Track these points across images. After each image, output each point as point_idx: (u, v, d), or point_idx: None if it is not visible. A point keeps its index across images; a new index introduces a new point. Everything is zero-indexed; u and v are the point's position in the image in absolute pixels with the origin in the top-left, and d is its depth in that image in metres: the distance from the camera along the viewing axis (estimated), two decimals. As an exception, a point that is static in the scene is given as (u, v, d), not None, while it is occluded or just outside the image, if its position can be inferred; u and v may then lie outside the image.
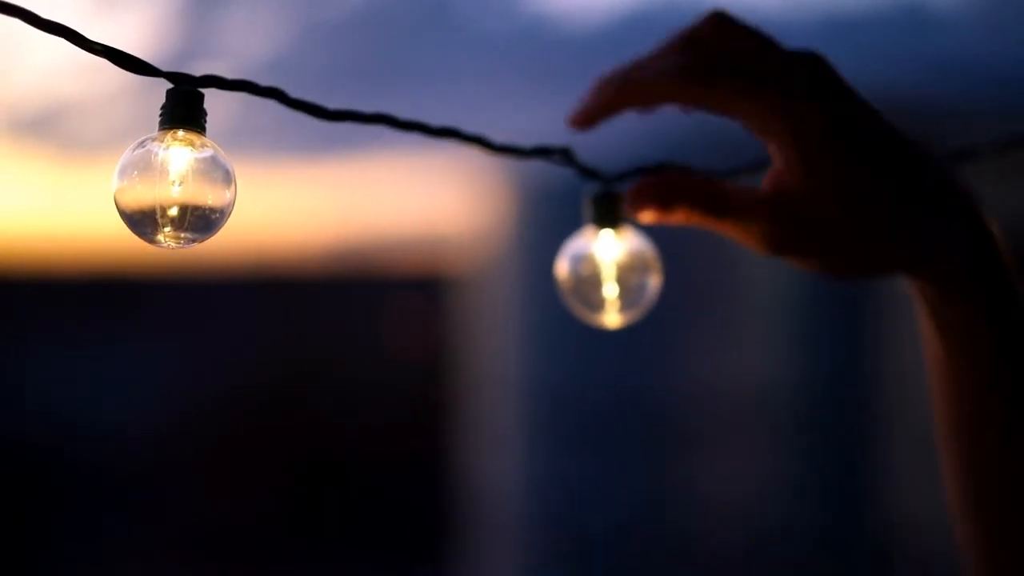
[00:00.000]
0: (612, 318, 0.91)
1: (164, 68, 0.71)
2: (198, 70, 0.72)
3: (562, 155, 0.89)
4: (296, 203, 7.24)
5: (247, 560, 6.52)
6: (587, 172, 0.90)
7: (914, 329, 0.89)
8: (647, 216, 0.86)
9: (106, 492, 6.68)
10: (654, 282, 0.91)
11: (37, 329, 7.32)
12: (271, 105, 0.76)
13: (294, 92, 0.77)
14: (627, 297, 0.91)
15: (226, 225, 0.71)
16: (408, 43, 6.58)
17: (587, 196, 0.91)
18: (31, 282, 7.47)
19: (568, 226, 1.03)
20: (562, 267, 0.91)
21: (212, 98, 0.73)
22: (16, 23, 0.67)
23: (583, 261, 0.91)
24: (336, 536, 6.64)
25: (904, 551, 4.55)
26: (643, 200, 0.86)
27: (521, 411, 5.11)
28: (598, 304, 0.91)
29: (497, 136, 0.89)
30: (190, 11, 6.42)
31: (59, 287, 7.49)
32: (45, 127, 6.89)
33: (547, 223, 4.82)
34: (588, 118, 0.86)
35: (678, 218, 0.86)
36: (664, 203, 0.86)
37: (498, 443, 5.19)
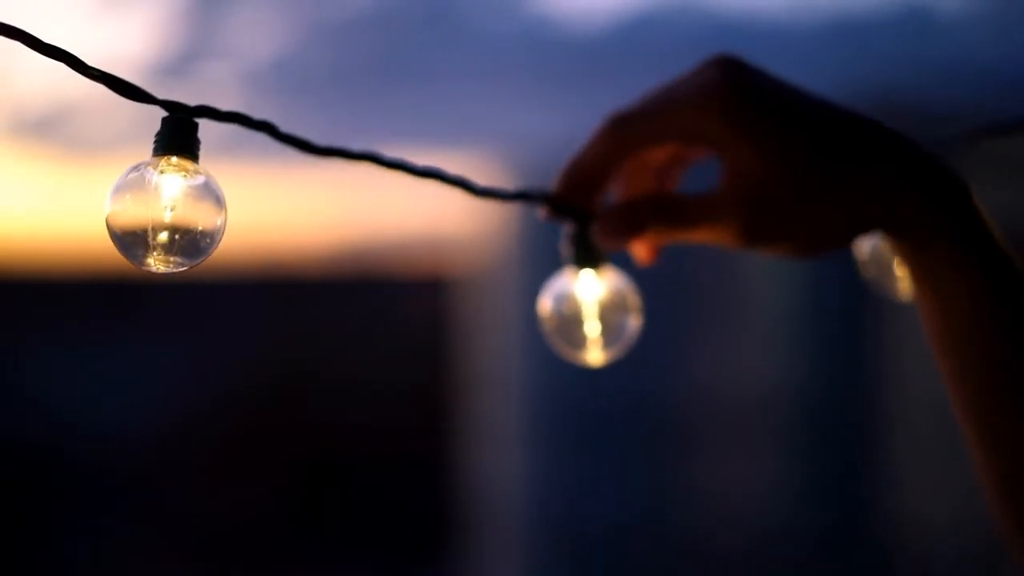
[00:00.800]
0: (595, 355, 0.93)
1: (168, 70, 0.72)
2: (203, 71, 0.73)
3: (542, 199, 0.91)
4: (298, 204, 7.25)
5: (248, 560, 6.52)
6: (567, 213, 0.90)
7: (916, 331, 0.88)
8: (621, 244, 0.88)
9: (107, 492, 6.69)
10: (634, 319, 0.93)
11: (39, 329, 7.32)
12: (273, 107, 0.76)
13: (298, 92, 0.78)
14: (609, 334, 0.92)
15: (228, 229, 0.73)
16: (412, 44, 6.58)
17: (564, 237, 0.92)
18: (33, 282, 7.47)
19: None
20: (545, 306, 0.92)
21: (215, 97, 0.74)
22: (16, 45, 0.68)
23: (565, 300, 0.92)
24: (337, 536, 6.64)
25: (906, 553, 4.55)
26: (613, 231, 0.88)
27: (523, 412, 5.10)
28: (580, 342, 0.92)
29: (500, 137, 0.90)
30: (195, 11, 6.42)
31: (61, 288, 7.49)
32: (49, 128, 6.90)
33: (550, 225, 4.81)
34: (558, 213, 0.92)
35: (650, 239, 0.88)
36: (633, 228, 0.88)
37: (499, 444, 5.19)
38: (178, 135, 0.71)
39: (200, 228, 0.71)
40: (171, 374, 7.13)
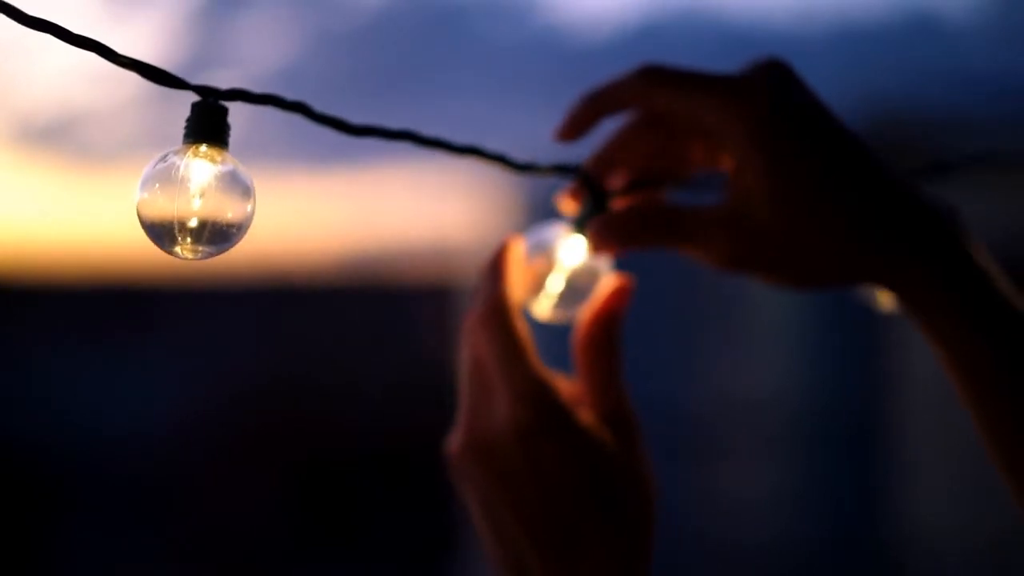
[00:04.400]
0: (542, 309, 0.93)
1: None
2: (209, 79, 0.73)
3: (576, 173, 0.91)
4: (305, 213, 7.26)
5: (252, 564, 6.52)
6: (590, 189, 0.90)
7: (920, 339, 0.88)
8: (612, 253, 0.89)
9: (112, 496, 6.69)
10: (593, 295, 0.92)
11: (44, 335, 7.34)
12: (279, 115, 0.76)
13: (305, 101, 0.77)
14: (565, 300, 0.92)
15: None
16: (419, 53, 6.59)
17: (568, 196, 0.92)
18: (39, 289, 7.49)
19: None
20: (520, 247, 0.93)
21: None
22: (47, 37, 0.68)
23: (544, 251, 0.92)
24: (342, 543, 6.64)
25: (916, 559, 4.54)
26: (605, 240, 0.88)
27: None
28: (537, 291, 0.93)
29: (503, 146, 0.90)
30: (201, 19, 6.44)
31: (67, 294, 7.50)
32: (57, 136, 6.91)
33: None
34: (570, 130, 0.91)
35: (640, 248, 0.88)
36: (625, 240, 0.88)
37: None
38: (208, 121, 0.71)
39: (229, 216, 0.70)
40: (177, 379, 7.14)
